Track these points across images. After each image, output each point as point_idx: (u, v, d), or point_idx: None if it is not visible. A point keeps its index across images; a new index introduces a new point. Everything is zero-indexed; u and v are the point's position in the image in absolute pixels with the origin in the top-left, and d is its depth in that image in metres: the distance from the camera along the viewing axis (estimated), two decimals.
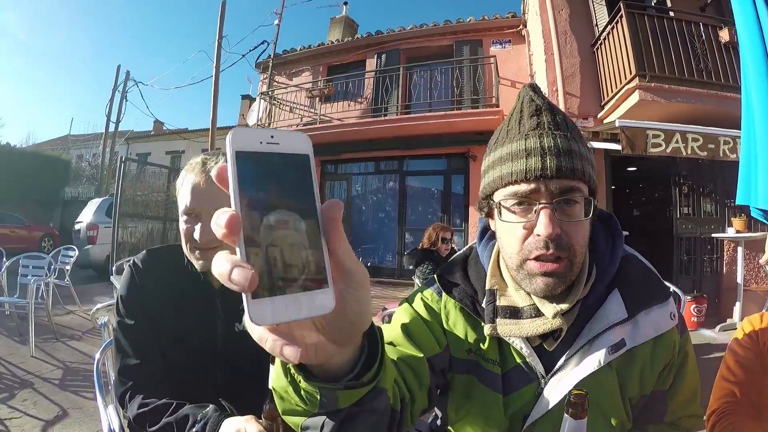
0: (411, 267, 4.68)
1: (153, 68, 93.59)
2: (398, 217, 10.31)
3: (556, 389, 0.86)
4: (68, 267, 6.81)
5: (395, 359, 0.80)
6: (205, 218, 1.20)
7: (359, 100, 10.67)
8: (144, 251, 1.45)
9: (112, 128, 19.43)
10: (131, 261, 1.42)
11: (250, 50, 12.56)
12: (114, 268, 5.58)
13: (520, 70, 9.23)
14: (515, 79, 9.17)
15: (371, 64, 11.00)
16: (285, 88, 11.61)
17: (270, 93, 11.45)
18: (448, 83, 9.73)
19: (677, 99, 5.99)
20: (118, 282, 3.88)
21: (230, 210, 0.35)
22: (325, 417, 0.53)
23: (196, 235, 1.21)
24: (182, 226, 1.25)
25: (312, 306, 0.36)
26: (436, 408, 1.05)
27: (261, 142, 0.36)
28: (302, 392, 0.51)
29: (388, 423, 0.65)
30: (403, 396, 0.73)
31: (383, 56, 10.86)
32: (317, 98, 10.85)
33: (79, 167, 24.46)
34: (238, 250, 0.35)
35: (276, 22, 12.33)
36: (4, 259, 6.48)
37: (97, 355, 1.67)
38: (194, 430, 1.13)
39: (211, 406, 1.19)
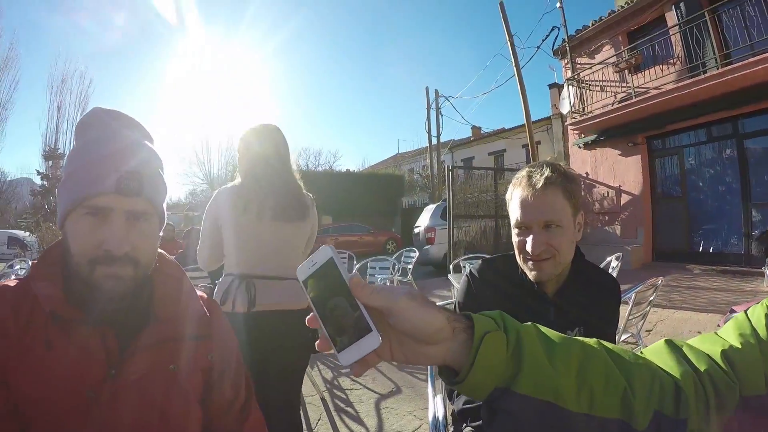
0: (758, 255, 4.61)
1: (458, 81, 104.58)
2: (741, 190, 9.37)
3: None
4: (410, 266, 8.36)
5: (694, 369, 0.70)
6: (536, 230, 1.34)
7: (671, 61, 10.33)
8: (480, 261, 1.64)
9: (434, 141, 23.75)
10: (468, 270, 1.62)
11: (542, 40, 13.69)
12: (451, 267, 6.89)
13: None
14: None
15: (671, 18, 10.40)
16: (589, 68, 12.10)
17: (576, 77, 12.22)
18: (765, 14, 8.69)
19: None
20: (454, 279, 6.13)
21: (312, 313, 0.63)
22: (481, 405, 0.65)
23: (528, 248, 1.34)
24: (514, 239, 1.41)
25: (367, 345, 0.59)
26: None
27: (309, 268, 0.63)
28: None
29: None
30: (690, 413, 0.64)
31: (681, 5, 10.11)
32: (625, 70, 11.02)
33: (411, 179, 30.13)
34: (322, 332, 0.62)
35: (558, 5, 12.94)
36: (355, 261, 8.20)
37: None
38: None
39: None
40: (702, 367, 0.70)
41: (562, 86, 13.02)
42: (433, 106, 22.64)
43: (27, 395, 0.94)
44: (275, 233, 2.16)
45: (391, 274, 7.48)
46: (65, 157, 1.07)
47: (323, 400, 4.04)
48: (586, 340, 0.69)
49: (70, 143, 33.54)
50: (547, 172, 1.36)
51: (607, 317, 1.52)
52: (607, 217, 12.00)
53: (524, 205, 1.37)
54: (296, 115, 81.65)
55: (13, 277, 7.10)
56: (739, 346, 0.73)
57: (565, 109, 12.46)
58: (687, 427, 0.64)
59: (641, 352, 0.73)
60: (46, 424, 0.94)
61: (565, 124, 13.28)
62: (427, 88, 23.03)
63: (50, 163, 18.28)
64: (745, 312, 0.79)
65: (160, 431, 1.03)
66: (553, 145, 16.50)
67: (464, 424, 1.60)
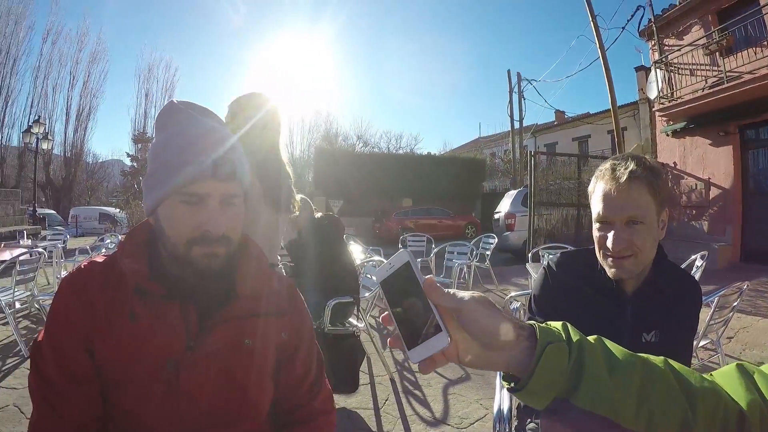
0: None
1: (541, 64, 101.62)
2: None
3: None
4: (488, 252, 8.60)
5: (762, 397, 0.67)
6: (618, 226, 1.33)
7: (764, 43, 9.71)
8: (559, 253, 1.64)
9: (516, 125, 23.55)
10: (546, 263, 1.62)
11: (627, 20, 13.06)
12: (530, 255, 7.00)
13: None
14: None
15: None
16: (678, 50, 11.58)
17: (663, 60, 11.78)
18: None
19: None
20: (532, 268, 6.30)
21: (386, 312, 0.71)
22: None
23: (609, 244, 1.33)
24: (595, 234, 1.40)
25: (437, 344, 0.64)
26: None
27: (387, 270, 0.70)
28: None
29: None
30: None
31: None
32: (716, 53, 10.46)
33: (492, 164, 30.43)
34: (395, 330, 0.69)
35: None
36: (433, 245, 8.74)
37: None
38: None
39: None
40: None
41: (649, 69, 12.57)
42: (516, 89, 22.55)
43: (110, 362, 1.06)
44: (273, 223, 2.23)
45: (469, 259, 7.55)
46: (152, 148, 1.15)
47: (392, 381, 4.28)
48: (652, 357, 0.70)
49: None
50: (631, 165, 1.34)
51: (686, 322, 1.50)
52: (694, 212, 11.61)
53: (607, 199, 1.35)
54: (378, 98, 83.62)
55: (103, 251, 8.16)
56: None
57: (652, 94, 12.09)
58: (598, 413, 0.64)
59: (711, 375, 0.73)
60: (126, 390, 1.06)
61: (653, 109, 12.87)
62: (509, 71, 23.01)
63: (139, 146, 19.89)
64: None
65: (235, 402, 1.14)
66: (640, 132, 15.88)
67: (528, 420, 1.66)
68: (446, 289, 0.69)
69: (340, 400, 3.80)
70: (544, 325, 0.69)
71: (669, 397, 0.64)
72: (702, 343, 3.53)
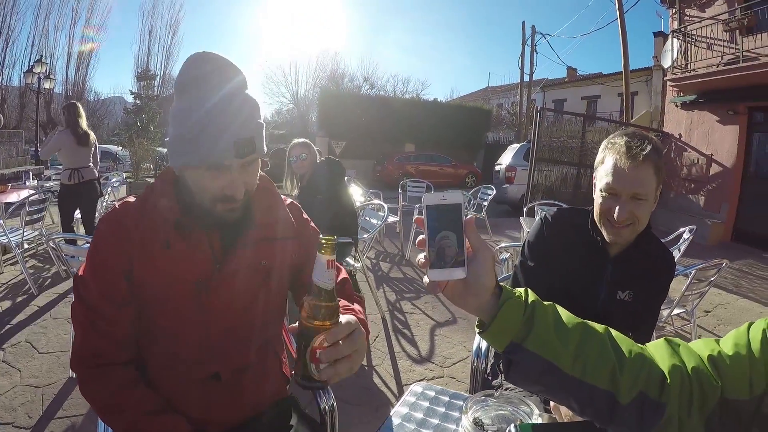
0: None
1: (557, 19, 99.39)
2: None
3: None
4: (485, 203, 8.94)
5: (683, 364, 0.83)
6: (624, 199, 1.49)
7: None
8: (556, 209, 1.82)
9: (527, 79, 23.53)
10: (544, 215, 1.78)
11: None
12: (525, 210, 7.12)
13: None
14: None
15: None
16: (698, 22, 11.37)
17: (682, 30, 11.56)
18: None
19: None
20: (526, 223, 6.70)
21: (422, 236, 0.80)
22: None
23: (615, 215, 1.49)
24: (598, 200, 1.56)
25: (455, 275, 0.78)
26: None
27: (438, 200, 0.79)
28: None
29: (598, 405, 0.80)
30: (671, 397, 0.78)
31: None
32: (736, 31, 10.30)
33: (498, 115, 30.35)
34: (426, 250, 0.79)
35: None
36: (433, 190, 8.62)
37: None
38: None
39: None
40: (690, 365, 0.82)
41: (668, 36, 12.49)
42: (529, 42, 22.35)
43: (148, 284, 1.22)
44: (82, 149, 5.77)
45: (466, 208, 7.65)
46: (176, 112, 1.17)
47: (383, 319, 4.63)
48: (595, 325, 0.86)
49: (162, 65, 34.14)
50: (648, 148, 1.45)
51: (655, 290, 1.69)
52: (692, 185, 11.72)
53: (618, 173, 1.48)
54: (387, 40, 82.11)
55: (109, 190, 9.21)
56: (730, 354, 0.83)
57: (666, 62, 12.01)
58: (666, 411, 0.77)
59: (645, 346, 0.88)
60: (163, 308, 1.24)
61: (665, 78, 12.77)
62: (523, 23, 22.84)
63: (142, 83, 19.80)
64: (749, 324, 0.86)
65: (255, 316, 1.34)
66: (650, 98, 16.06)
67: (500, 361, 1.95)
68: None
69: None
70: (509, 287, 0.85)
71: (601, 353, 0.80)
72: (677, 312, 3.77)
